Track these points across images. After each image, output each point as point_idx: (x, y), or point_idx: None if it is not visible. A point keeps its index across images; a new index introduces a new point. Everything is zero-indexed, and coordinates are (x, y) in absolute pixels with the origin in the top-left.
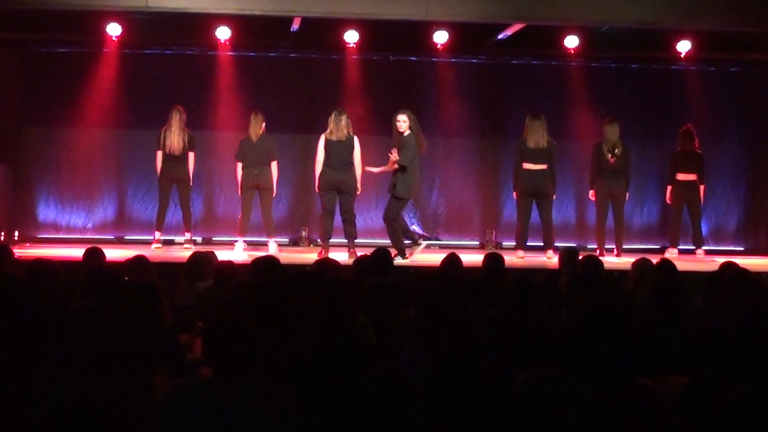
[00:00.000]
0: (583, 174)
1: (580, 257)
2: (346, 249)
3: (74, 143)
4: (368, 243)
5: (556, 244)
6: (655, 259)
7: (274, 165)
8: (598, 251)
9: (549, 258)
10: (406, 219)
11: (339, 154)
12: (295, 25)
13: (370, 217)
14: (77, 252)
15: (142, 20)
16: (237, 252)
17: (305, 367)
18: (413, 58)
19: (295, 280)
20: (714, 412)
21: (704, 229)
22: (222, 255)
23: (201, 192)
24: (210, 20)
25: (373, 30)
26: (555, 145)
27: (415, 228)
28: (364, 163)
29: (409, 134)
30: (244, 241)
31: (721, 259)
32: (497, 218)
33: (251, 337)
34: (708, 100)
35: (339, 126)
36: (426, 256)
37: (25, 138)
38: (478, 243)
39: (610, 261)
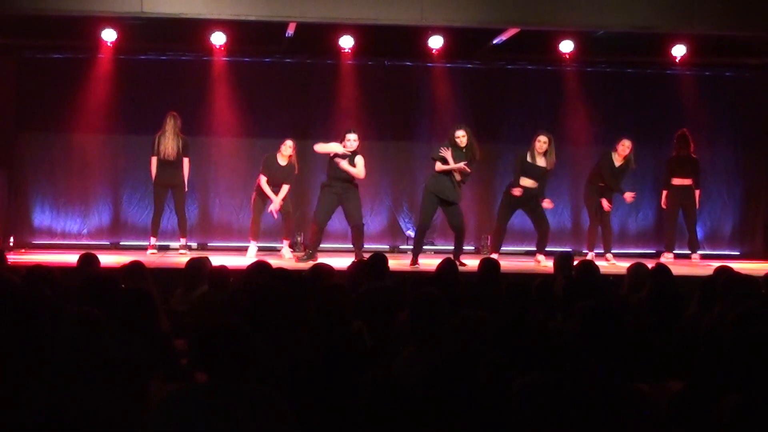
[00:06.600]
0: (579, 179)
1: (576, 262)
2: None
3: (69, 149)
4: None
5: (550, 249)
6: (650, 264)
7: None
8: (588, 253)
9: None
10: (402, 224)
11: None
12: (290, 31)
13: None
14: (72, 258)
15: (137, 26)
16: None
17: (301, 372)
18: (408, 64)
19: (291, 285)
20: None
21: (700, 233)
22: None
23: (196, 198)
24: (205, 26)
25: (368, 35)
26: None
27: (410, 233)
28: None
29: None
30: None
31: (717, 264)
32: (493, 224)
33: (245, 341)
34: (703, 105)
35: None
36: (421, 261)
37: (20, 143)
38: (473, 248)
39: (605, 265)
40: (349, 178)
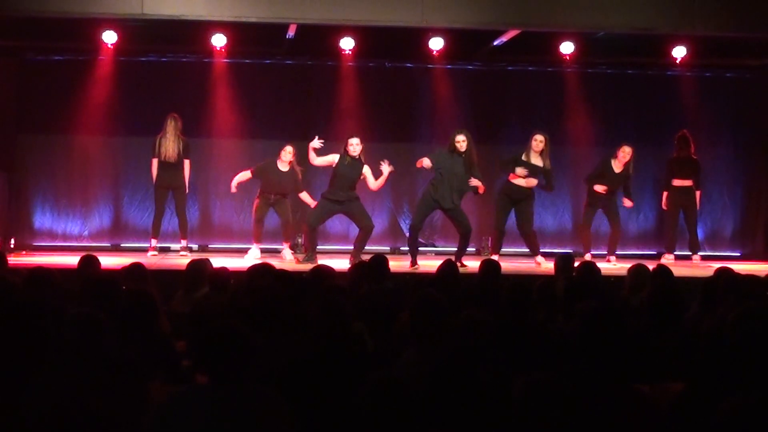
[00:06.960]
0: (579, 180)
1: (577, 263)
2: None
3: (70, 151)
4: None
5: (553, 250)
6: (651, 265)
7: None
8: (585, 253)
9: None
10: (402, 226)
11: None
12: (291, 32)
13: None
14: (73, 260)
15: (137, 28)
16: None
17: (301, 374)
18: (409, 65)
19: (292, 286)
20: (719, 419)
21: (700, 234)
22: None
23: (197, 199)
24: (205, 27)
25: (368, 37)
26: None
27: None
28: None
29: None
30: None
31: (718, 265)
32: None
33: (246, 343)
34: (703, 106)
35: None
36: (422, 263)
37: (21, 145)
38: (474, 249)
39: (606, 267)
40: (351, 190)
